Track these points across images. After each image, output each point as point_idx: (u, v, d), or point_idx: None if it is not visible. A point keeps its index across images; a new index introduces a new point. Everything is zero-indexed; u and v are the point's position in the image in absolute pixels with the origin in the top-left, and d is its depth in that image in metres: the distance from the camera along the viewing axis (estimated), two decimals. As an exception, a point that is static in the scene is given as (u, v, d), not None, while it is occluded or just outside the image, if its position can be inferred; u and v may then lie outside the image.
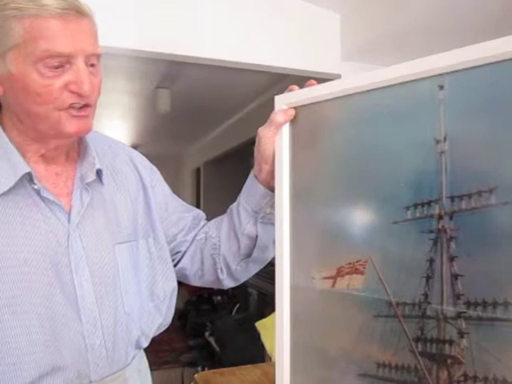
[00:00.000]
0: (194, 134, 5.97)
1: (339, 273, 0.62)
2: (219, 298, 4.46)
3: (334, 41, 2.46)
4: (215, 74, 3.27)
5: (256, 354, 2.23)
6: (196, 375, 1.42)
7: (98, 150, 0.78)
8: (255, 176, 0.80)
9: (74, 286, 0.69)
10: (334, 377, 0.63)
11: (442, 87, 0.55)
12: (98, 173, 0.75)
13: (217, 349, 3.08)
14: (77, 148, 0.76)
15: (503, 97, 0.50)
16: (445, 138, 0.53)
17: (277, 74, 2.49)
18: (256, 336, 2.28)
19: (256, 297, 3.63)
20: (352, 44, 2.41)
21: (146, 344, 0.80)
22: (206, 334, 3.33)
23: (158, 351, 3.83)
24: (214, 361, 3.03)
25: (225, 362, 2.74)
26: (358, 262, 0.60)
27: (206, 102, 4.21)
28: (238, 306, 3.80)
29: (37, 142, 0.70)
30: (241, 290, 3.92)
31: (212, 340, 3.20)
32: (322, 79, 0.71)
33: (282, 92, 0.76)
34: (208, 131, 5.79)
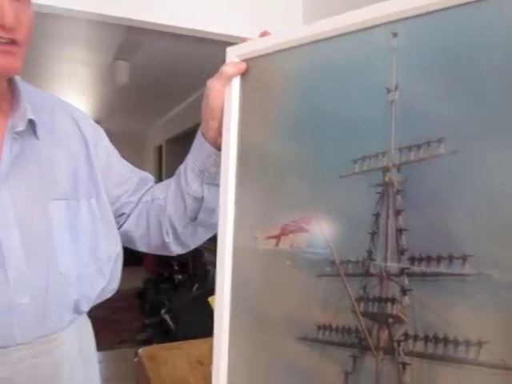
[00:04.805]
0: (155, 110, 5.81)
1: (283, 231, 0.58)
2: (180, 276, 4.43)
3: (295, 7, 2.42)
4: (177, 46, 3.15)
5: (211, 329, 2.21)
6: (140, 350, 1.37)
7: (35, 104, 0.73)
8: (202, 134, 0.76)
9: None
10: (272, 341, 0.60)
11: (395, 34, 0.52)
12: (32, 124, 0.71)
13: (171, 325, 3.04)
14: (10, 100, 0.71)
15: (456, 44, 0.47)
16: (396, 87, 0.50)
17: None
18: (211, 312, 2.26)
19: (214, 273, 3.62)
20: (315, 10, 2.37)
21: (86, 308, 0.75)
22: (162, 311, 3.29)
23: (116, 330, 3.79)
24: (169, 338, 3.00)
25: (179, 339, 2.71)
26: (302, 219, 0.57)
27: (167, 76, 4.07)
28: (198, 284, 3.78)
29: None
30: (201, 269, 3.89)
31: (167, 317, 3.16)
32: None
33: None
34: (170, 108, 5.63)
